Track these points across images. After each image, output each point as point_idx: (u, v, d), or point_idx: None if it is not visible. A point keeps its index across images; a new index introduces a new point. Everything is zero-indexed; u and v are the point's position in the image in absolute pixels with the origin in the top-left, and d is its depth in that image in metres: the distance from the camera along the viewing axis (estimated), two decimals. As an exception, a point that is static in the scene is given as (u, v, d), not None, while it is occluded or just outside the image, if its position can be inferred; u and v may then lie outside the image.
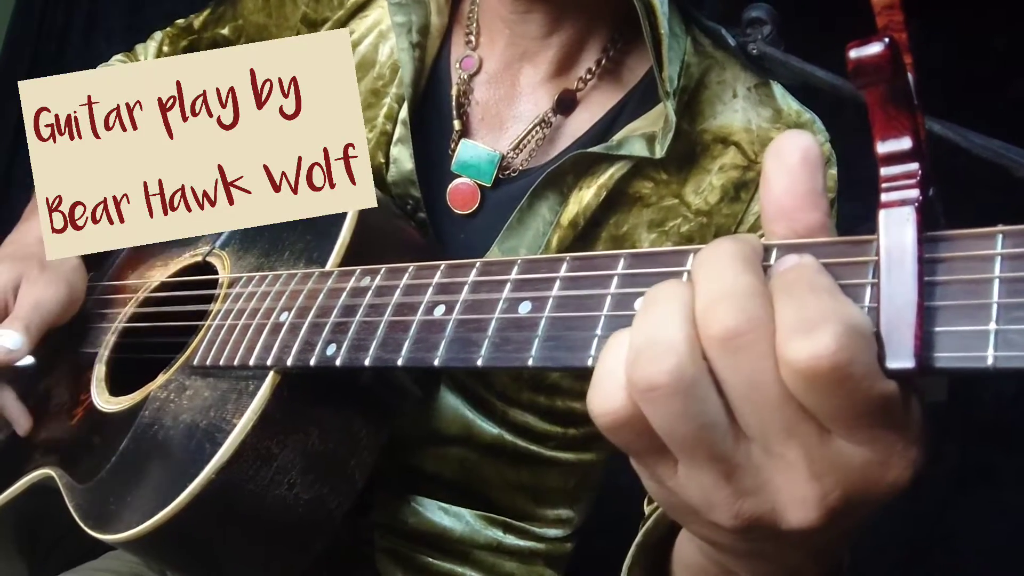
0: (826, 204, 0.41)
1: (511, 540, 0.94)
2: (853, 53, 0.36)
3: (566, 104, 0.88)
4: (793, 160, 0.40)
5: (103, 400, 0.83)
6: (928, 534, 1.80)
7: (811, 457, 0.37)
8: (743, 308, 0.36)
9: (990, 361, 0.33)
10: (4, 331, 0.84)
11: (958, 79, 1.80)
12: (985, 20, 1.85)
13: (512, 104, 0.91)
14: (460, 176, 0.89)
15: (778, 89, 0.88)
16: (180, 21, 1.18)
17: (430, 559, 0.91)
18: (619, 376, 0.39)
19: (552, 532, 0.97)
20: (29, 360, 0.86)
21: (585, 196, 0.84)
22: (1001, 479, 1.80)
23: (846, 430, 0.36)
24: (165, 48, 1.18)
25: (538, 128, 0.88)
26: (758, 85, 0.87)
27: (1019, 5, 1.77)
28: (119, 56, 1.23)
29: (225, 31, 1.10)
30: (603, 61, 0.89)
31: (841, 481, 0.37)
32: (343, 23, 0.97)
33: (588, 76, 0.89)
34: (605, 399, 0.39)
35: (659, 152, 0.82)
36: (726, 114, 0.86)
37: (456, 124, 0.90)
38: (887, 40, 0.35)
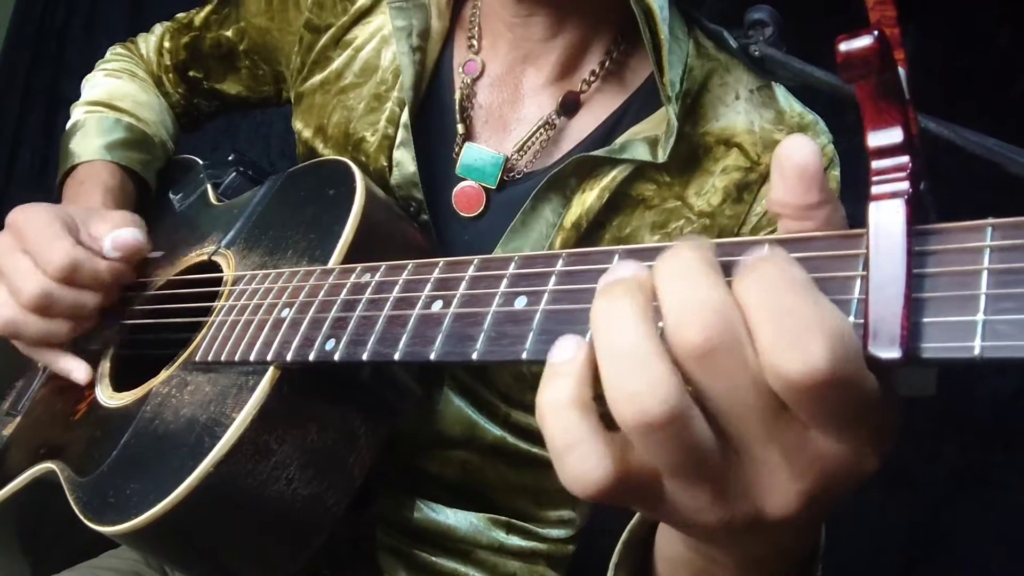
0: (820, 217, 0.41)
1: (514, 540, 0.94)
2: (843, 46, 0.36)
3: (570, 106, 0.88)
4: (794, 167, 0.41)
5: (106, 396, 0.83)
6: (927, 534, 1.80)
7: (791, 459, 0.38)
8: (717, 322, 0.35)
9: (977, 351, 0.33)
10: (119, 230, 0.85)
11: (957, 76, 1.80)
12: (987, 17, 1.84)
13: (516, 107, 0.91)
14: (465, 179, 0.89)
15: (780, 91, 0.88)
16: (180, 15, 1.19)
17: (432, 557, 0.91)
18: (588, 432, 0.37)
19: (555, 533, 0.97)
20: (158, 253, 0.87)
21: (588, 198, 0.84)
22: (1000, 479, 1.79)
23: (834, 430, 0.36)
24: (166, 43, 1.19)
25: (542, 130, 0.88)
26: (760, 87, 0.87)
27: (1019, 2, 1.77)
28: (118, 48, 1.24)
29: (229, 33, 1.10)
30: (606, 63, 0.89)
31: (819, 475, 0.38)
32: (347, 29, 0.97)
33: (591, 78, 0.89)
34: (586, 464, 0.37)
35: (661, 157, 0.81)
36: (728, 116, 0.86)
37: (460, 128, 0.90)
38: (876, 33, 0.35)
